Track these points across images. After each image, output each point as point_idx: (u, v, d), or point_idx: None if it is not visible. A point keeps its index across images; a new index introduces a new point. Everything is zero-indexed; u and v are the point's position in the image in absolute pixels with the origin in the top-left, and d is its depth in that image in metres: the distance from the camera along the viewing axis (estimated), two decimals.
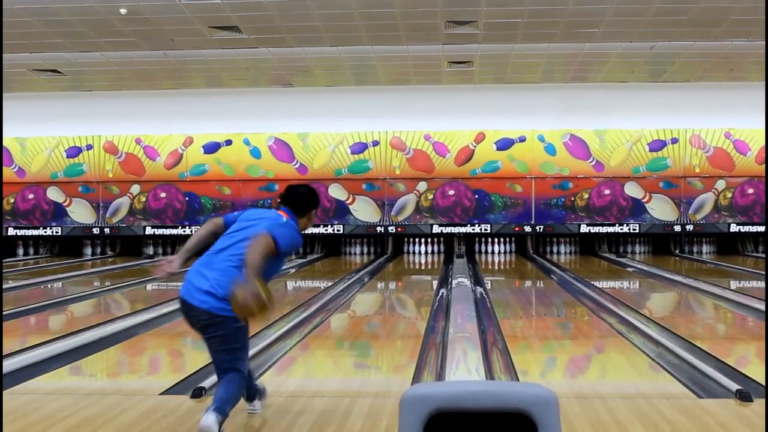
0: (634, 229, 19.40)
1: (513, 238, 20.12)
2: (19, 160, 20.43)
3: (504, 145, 19.53)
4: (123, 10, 13.46)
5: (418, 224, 19.66)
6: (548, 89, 19.34)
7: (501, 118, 19.51)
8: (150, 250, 20.44)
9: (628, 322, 8.76)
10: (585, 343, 8.03)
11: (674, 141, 19.37)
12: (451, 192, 19.62)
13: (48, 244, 20.80)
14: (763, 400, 5.11)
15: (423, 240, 20.08)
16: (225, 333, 4.52)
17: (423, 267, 17.70)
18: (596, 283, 13.09)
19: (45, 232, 20.33)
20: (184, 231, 19.88)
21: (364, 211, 19.72)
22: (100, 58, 16.72)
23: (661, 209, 19.40)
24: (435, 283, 13.95)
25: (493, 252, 19.96)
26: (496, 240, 20.07)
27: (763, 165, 18.97)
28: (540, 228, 19.51)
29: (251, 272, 4.35)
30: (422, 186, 19.66)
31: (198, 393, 5.38)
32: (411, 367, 6.50)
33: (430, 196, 19.66)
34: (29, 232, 20.39)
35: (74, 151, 20.35)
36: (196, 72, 18.15)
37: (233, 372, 4.59)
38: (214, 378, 5.74)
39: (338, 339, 8.24)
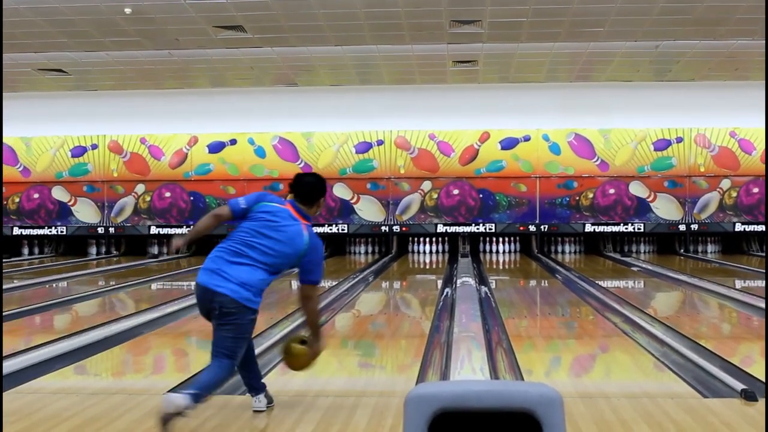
0: (638, 229, 19.39)
1: (517, 238, 20.11)
2: (24, 160, 20.46)
3: (508, 144, 19.52)
4: (128, 10, 13.47)
5: (422, 224, 19.66)
6: (553, 89, 19.33)
7: (505, 117, 19.49)
8: (155, 250, 20.44)
9: (632, 321, 8.76)
10: (590, 342, 8.02)
11: (679, 140, 19.35)
12: (456, 191, 19.62)
13: (53, 243, 20.82)
14: None
15: (427, 239, 20.07)
16: (241, 323, 4.74)
17: (427, 266, 17.70)
18: (601, 283, 13.08)
19: (50, 231, 20.36)
20: (188, 230, 19.84)
21: (369, 210, 19.72)
22: (105, 58, 16.74)
23: (666, 208, 19.38)
24: (439, 283, 13.95)
25: (497, 251, 19.95)
26: (500, 239, 20.06)
27: None
28: (545, 227, 19.49)
29: (318, 332, 5.06)
30: (427, 185, 19.66)
31: None
32: (415, 367, 6.49)
33: (435, 196, 19.65)
34: (34, 232, 20.41)
35: (79, 151, 20.37)
36: (201, 71, 18.16)
37: (228, 359, 4.77)
38: None
39: (343, 338, 8.24)
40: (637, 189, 19.41)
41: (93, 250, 20.69)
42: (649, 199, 19.39)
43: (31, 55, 16.51)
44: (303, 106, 19.77)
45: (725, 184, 19.31)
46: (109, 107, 20.12)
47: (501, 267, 17.44)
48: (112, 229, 20.23)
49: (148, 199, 20.19)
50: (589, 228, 19.48)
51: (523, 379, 6.11)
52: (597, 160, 19.39)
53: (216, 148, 20.02)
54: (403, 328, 8.73)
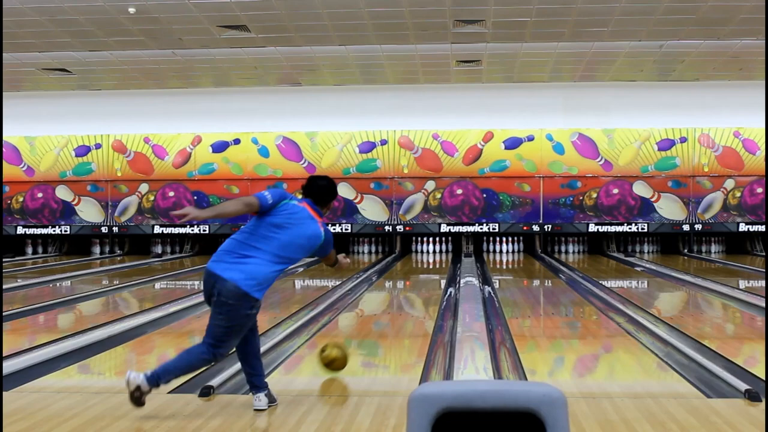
0: (642, 229, 19.38)
1: (521, 238, 20.11)
2: (28, 159, 20.48)
3: (512, 144, 19.51)
4: (132, 9, 13.49)
5: (426, 223, 19.66)
6: (557, 88, 19.33)
7: (509, 117, 19.50)
8: (158, 249, 20.45)
9: (636, 321, 8.75)
10: (593, 342, 8.02)
11: (683, 140, 19.34)
12: (459, 191, 19.62)
13: (57, 242, 20.85)
14: None
15: (431, 239, 20.07)
16: (236, 314, 4.85)
17: (431, 266, 17.70)
18: (604, 283, 13.08)
19: (54, 230, 20.38)
20: (192, 230, 19.91)
21: (372, 210, 19.73)
22: (109, 57, 16.76)
23: (670, 208, 19.37)
24: (443, 282, 13.95)
25: (501, 251, 19.95)
26: (504, 239, 20.05)
27: None
28: (548, 227, 19.49)
29: (335, 261, 5.68)
30: (430, 185, 19.66)
31: (206, 392, 5.39)
32: (419, 366, 6.49)
33: (438, 195, 19.65)
34: (38, 231, 20.44)
35: (83, 150, 20.40)
36: (205, 71, 18.17)
37: (206, 346, 4.95)
38: (222, 377, 5.78)
39: (346, 338, 8.24)
40: (640, 189, 19.40)
41: (97, 249, 20.72)
42: (652, 199, 19.38)
43: (36, 55, 16.53)
44: (307, 105, 19.78)
45: (729, 184, 19.30)
46: (112, 107, 20.14)
47: (504, 267, 17.44)
48: (115, 229, 20.25)
49: (151, 198, 20.21)
50: (592, 228, 19.47)
51: (526, 378, 6.11)
52: (601, 159, 19.38)
53: (220, 147, 20.04)
54: (407, 328, 8.74)
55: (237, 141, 20.01)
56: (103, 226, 20.28)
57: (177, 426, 4.75)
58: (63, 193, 20.45)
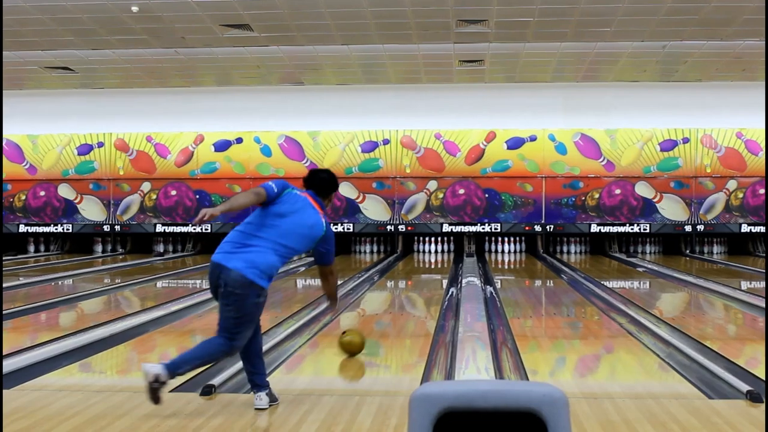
0: (644, 229, 19.37)
1: (523, 238, 20.10)
2: (31, 158, 20.50)
3: (515, 144, 19.51)
4: (134, 8, 13.49)
5: (428, 223, 19.66)
6: (559, 88, 19.32)
7: (512, 117, 19.49)
8: (160, 248, 20.46)
9: (638, 322, 8.75)
10: (595, 342, 8.02)
11: (685, 141, 19.33)
12: (462, 191, 19.61)
13: (59, 241, 20.86)
14: None
15: (433, 239, 20.07)
16: (245, 303, 4.89)
17: (433, 266, 17.70)
18: (606, 283, 13.07)
19: (56, 229, 20.39)
20: (194, 229, 19.91)
21: (375, 209, 19.73)
22: (112, 56, 16.76)
23: (672, 209, 19.36)
24: (445, 282, 13.95)
25: (503, 251, 19.95)
26: (506, 239, 20.05)
27: None
28: (550, 227, 19.48)
29: (335, 298, 5.71)
30: (432, 185, 19.66)
31: (208, 390, 5.39)
32: (420, 366, 6.49)
33: (441, 195, 19.65)
34: (40, 229, 20.45)
35: (85, 149, 20.41)
36: (207, 70, 18.18)
37: (225, 338, 4.94)
38: (223, 375, 5.78)
39: None
40: (643, 189, 19.39)
41: (99, 247, 20.74)
42: (655, 200, 19.37)
43: (38, 53, 16.54)
44: (309, 105, 19.79)
45: (731, 185, 19.28)
46: (115, 105, 20.16)
47: (506, 267, 17.44)
48: (117, 227, 20.26)
49: (154, 197, 20.22)
50: (594, 228, 19.47)
51: (527, 379, 6.11)
52: (603, 160, 19.38)
53: (222, 146, 20.05)
54: (408, 328, 8.74)
55: (239, 140, 20.01)
56: (105, 224, 20.29)
57: (178, 425, 4.75)
58: (65, 191, 20.46)
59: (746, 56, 16.55)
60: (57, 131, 20.43)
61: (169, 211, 20.10)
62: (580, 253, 19.91)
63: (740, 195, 19.26)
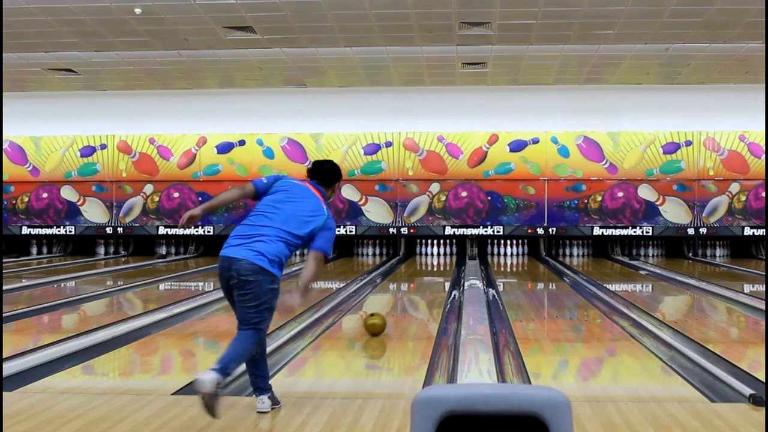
0: (647, 232, 19.36)
1: (525, 240, 20.10)
2: (34, 159, 20.52)
3: (517, 146, 19.51)
4: (138, 10, 13.51)
5: (430, 226, 19.65)
6: (562, 91, 19.32)
7: (514, 119, 19.50)
8: (163, 250, 20.48)
9: (640, 325, 8.74)
10: (597, 345, 8.01)
11: (688, 143, 19.32)
12: (464, 193, 19.61)
13: (61, 243, 20.87)
14: None
15: (435, 241, 20.07)
16: (260, 291, 4.93)
17: (435, 268, 17.70)
18: (609, 286, 13.07)
19: (58, 231, 20.41)
20: (197, 231, 19.92)
21: (377, 212, 19.73)
22: (115, 58, 16.78)
23: (675, 212, 19.35)
24: (447, 285, 13.95)
25: (505, 254, 19.95)
26: (508, 242, 20.05)
27: None
28: (553, 230, 19.48)
29: (305, 289, 5.14)
30: (435, 187, 19.66)
31: None
32: (423, 369, 6.49)
33: (443, 198, 19.65)
34: (43, 231, 20.47)
35: (88, 151, 20.43)
36: (210, 72, 18.19)
37: (253, 330, 4.96)
38: (226, 378, 5.76)
39: (350, 340, 8.23)
40: (645, 192, 19.39)
41: (101, 250, 20.75)
42: (657, 203, 19.36)
43: (42, 55, 16.56)
44: (312, 107, 19.80)
45: (734, 187, 19.27)
46: (118, 107, 20.18)
47: (509, 269, 17.43)
48: (120, 229, 20.27)
49: (156, 199, 20.23)
50: (597, 231, 19.46)
51: (530, 382, 6.11)
52: (606, 163, 19.37)
53: (224, 148, 20.06)
54: (411, 330, 8.73)
55: (242, 142, 20.02)
56: (108, 226, 20.31)
57: (181, 427, 4.76)
58: (68, 193, 20.48)
59: (749, 59, 16.55)
60: (60, 133, 20.46)
61: (171, 214, 20.11)
62: (583, 255, 19.91)
63: (743, 198, 19.25)
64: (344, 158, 19.59)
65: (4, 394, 5.32)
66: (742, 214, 19.25)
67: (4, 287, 11.49)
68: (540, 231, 19.52)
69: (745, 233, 19.24)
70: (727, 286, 12.63)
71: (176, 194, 20.18)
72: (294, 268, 15.19)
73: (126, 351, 7.44)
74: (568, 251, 19.99)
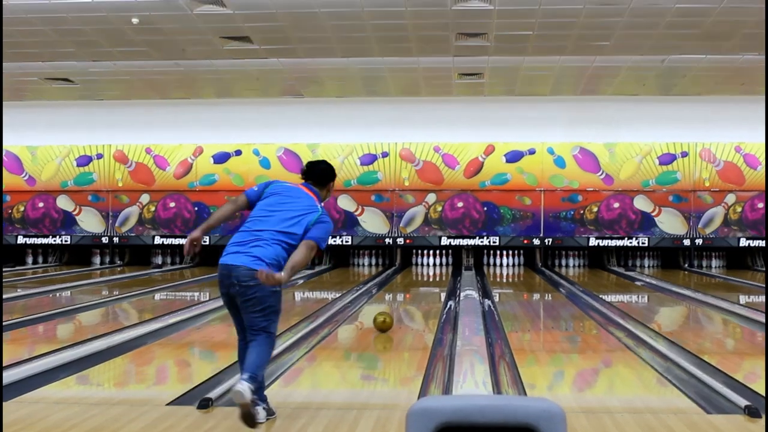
0: (643, 243, 19.37)
1: (522, 251, 20.10)
2: (30, 169, 20.51)
3: (513, 157, 19.52)
4: (135, 20, 13.52)
5: (426, 236, 19.65)
6: (558, 102, 19.35)
7: (511, 130, 19.52)
8: (159, 260, 20.47)
9: (636, 336, 8.74)
10: (593, 356, 8.01)
11: (684, 155, 19.35)
12: (460, 204, 19.62)
13: (57, 252, 20.85)
14: None
15: (431, 252, 20.07)
16: (263, 295, 4.98)
17: (431, 279, 17.69)
18: (605, 297, 13.06)
19: (54, 240, 20.38)
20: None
21: (373, 222, 19.73)
22: (112, 68, 16.79)
23: (671, 223, 19.37)
24: (443, 296, 13.94)
25: (501, 265, 19.94)
26: (504, 252, 20.04)
27: None
28: (549, 241, 19.48)
29: (290, 272, 4.98)
30: (431, 198, 19.67)
31: (205, 404, 5.38)
32: (418, 380, 6.49)
33: (439, 208, 19.66)
34: (38, 241, 20.44)
35: (84, 160, 20.42)
36: (207, 82, 18.20)
37: (264, 334, 5.04)
38: (221, 389, 5.77)
39: (345, 350, 8.23)
40: (641, 203, 19.41)
41: (97, 259, 20.73)
42: (653, 214, 19.38)
43: (39, 65, 16.57)
44: (308, 117, 19.81)
45: (730, 198, 19.29)
46: (115, 117, 20.18)
47: (504, 280, 17.43)
48: (116, 239, 20.25)
49: (152, 209, 20.22)
50: (593, 242, 19.47)
51: (525, 393, 6.10)
52: (602, 173, 19.39)
53: (221, 158, 20.06)
54: (406, 341, 8.72)
55: (238, 152, 20.02)
56: (104, 236, 20.28)
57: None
58: (64, 202, 20.46)
59: (746, 70, 16.58)
60: (56, 142, 20.45)
61: (167, 223, 20.10)
62: (579, 266, 19.91)
63: (739, 209, 19.27)
64: (341, 168, 19.58)
65: None
66: (738, 226, 19.27)
67: None
68: (536, 242, 19.53)
69: (741, 244, 19.25)
70: (723, 297, 12.64)
71: (172, 204, 20.17)
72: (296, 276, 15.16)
73: (121, 361, 7.43)
74: (564, 262, 20.00)
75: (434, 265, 19.96)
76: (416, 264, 20.07)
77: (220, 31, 14.23)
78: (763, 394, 5.84)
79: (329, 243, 18.95)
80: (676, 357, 7.33)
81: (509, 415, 2.35)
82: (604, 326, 9.74)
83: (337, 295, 12.98)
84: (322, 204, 5.42)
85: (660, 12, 13.00)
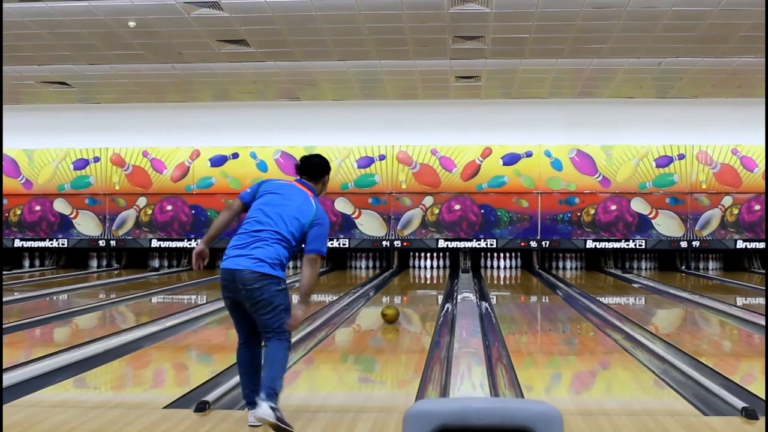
0: (640, 245, 19.38)
1: (519, 254, 20.10)
2: (27, 172, 20.49)
3: (510, 160, 19.53)
4: (132, 23, 13.52)
5: (423, 239, 19.65)
6: (555, 104, 19.37)
7: (508, 133, 19.53)
8: (156, 263, 20.46)
9: (633, 338, 8.75)
10: (590, 359, 8.01)
11: (681, 157, 19.36)
12: (457, 207, 19.62)
13: (54, 256, 20.83)
14: None
15: (428, 254, 20.06)
16: (270, 295, 4.98)
17: (428, 281, 17.68)
18: (602, 299, 13.08)
19: (51, 244, 20.36)
20: (190, 244, 19.90)
21: (370, 225, 19.73)
22: (109, 71, 16.78)
23: (668, 225, 19.38)
24: (440, 298, 13.94)
25: (498, 267, 19.95)
26: (501, 255, 20.05)
27: None
28: (546, 243, 19.48)
29: (308, 298, 5.29)
30: (428, 200, 19.67)
31: (202, 407, 5.38)
32: (415, 382, 6.49)
33: (436, 211, 19.66)
34: (35, 244, 20.42)
35: (81, 164, 20.41)
36: (204, 85, 18.19)
37: (277, 338, 5.04)
38: (218, 392, 5.77)
39: (343, 353, 8.23)
40: (638, 205, 19.42)
41: (94, 262, 20.71)
42: (650, 216, 19.39)
43: (35, 68, 16.55)
44: (305, 120, 19.80)
45: (727, 201, 19.31)
46: (111, 120, 20.16)
47: (502, 282, 17.43)
48: (113, 242, 20.23)
49: (149, 212, 20.21)
50: (590, 244, 19.48)
51: (523, 395, 6.10)
52: (599, 176, 19.41)
53: (218, 161, 20.05)
54: (404, 343, 8.73)
55: (235, 155, 20.02)
56: (101, 239, 20.27)
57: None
58: (61, 206, 20.44)
59: (742, 73, 16.61)
60: (53, 146, 20.44)
61: (164, 227, 20.09)
62: (576, 269, 19.91)
63: (735, 211, 19.29)
64: (338, 171, 19.59)
65: None
66: (735, 228, 19.29)
67: None
68: (533, 244, 19.53)
69: (737, 246, 19.27)
70: (719, 299, 12.64)
71: (169, 207, 20.16)
72: (287, 281, 15.17)
73: (118, 364, 7.43)
74: (561, 264, 20.00)
75: (431, 267, 19.95)
76: (413, 266, 20.07)
77: (216, 35, 14.23)
78: (760, 396, 5.85)
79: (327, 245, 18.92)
80: (673, 359, 7.34)
81: (506, 417, 2.35)
82: (601, 328, 9.74)
83: (335, 298, 12.98)
84: (317, 198, 5.38)
85: (656, 15, 13.02)
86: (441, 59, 15.75)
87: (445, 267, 19.90)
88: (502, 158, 19.55)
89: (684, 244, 19.33)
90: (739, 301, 13.34)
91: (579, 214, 19.48)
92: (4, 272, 18.42)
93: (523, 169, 19.51)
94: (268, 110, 19.87)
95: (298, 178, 5.45)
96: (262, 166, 19.85)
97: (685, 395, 6.02)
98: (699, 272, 19.11)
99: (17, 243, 20.38)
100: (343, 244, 19.60)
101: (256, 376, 5.15)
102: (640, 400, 6.14)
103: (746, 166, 19.28)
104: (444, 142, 19.61)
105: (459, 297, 12.91)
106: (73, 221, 20.40)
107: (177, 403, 5.61)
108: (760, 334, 9.24)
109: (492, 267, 19.95)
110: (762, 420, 5.12)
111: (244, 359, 5.20)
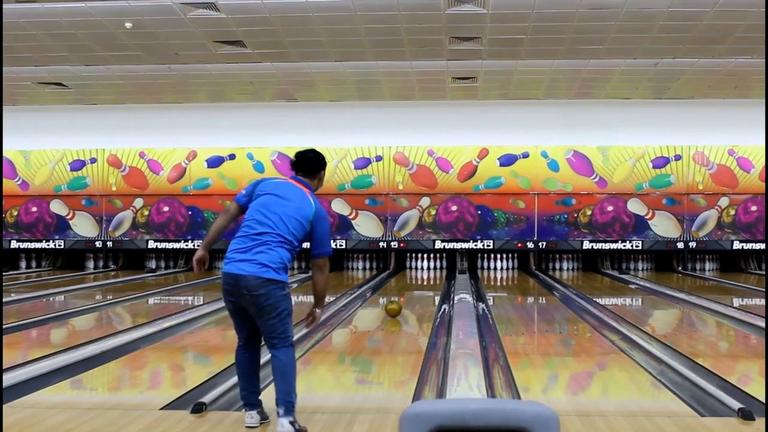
0: (636, 246, 19.39)
1: (515, 254, 20.11)
2: (23, 173, 20.47)
3: (507, 161, 19.54)
4: (128, 24, 13.51)
5: (420, 240, 19.65)
6: (552, 105, 19.38)
7: (504, 134, 19.53)
8: (152, 264, 20.44)
9: (630, 339, 8.75)
10: (587, 360, 8.01)
11: (677, 158, 19.38)
12: (454, 208, 19.63)
13: (50, 257, 20.81)
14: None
15: (425, 255, 20.06)
16: (275, 300, 4.93)
17: (425, 282, 17.68)
18: (598, 300, 13.08)
19: (48, 245, 20.34)
20: (186, 245, 19.89)
21: (367, 226, 19.73)
22: (105, 72, 16.77)
23: (664, 226, 19.39)
24: (437, 299, 13.94)
25: (495, 268, 19.95)
26: (498, 256, 20.06)
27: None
28: (542, 244, 19.49)
29: (323, 300, 5.49)
30: (425, 201, 19.67)
31: (198, 408, 5.37)
32: (412, 383, 6.49)
33: (433, 212, 19.66)
34: (32, 245, 20.40)
35: (78, 165, 20.39)
36: (201, 86, 18.19)
37: (283, 345, 5.01)
38: (214, 393, 5.76)
39: (340, 354, 8.23)
40: (635, 206, 19.43)
41: (91, 264, 20.69)
42: (647, 217, 19.41)
43: (32, 69, 16.54)
44: (302, 121, 19.79)
45: (723, 202, 19.33)
46: (108, 121, 20.14)
47: (499, 284, 17.43)
48: (110, 243, 20.22)
49: (146, 213, 20.19)
50: (587, 245, 19.49)
51: (519, 396, 6.10)
52: (595, 177, 19.42)
53: (215, 162, 20.04)
54: (400, 345, 8.72)
55: (232, 156, 20.01)
56: (98, 240, 20.25)
57: None
58: (57, 207, 20.43)
59: (738, 74, 16.63)
60: (50, 147, 20.42)
61: (161, 228, 20.08)
62: (573, 269, 19.92)
63: (732, 212, 19.31)
64: (334, 172, 19.59)
65: None
66: (732, 228, 19.30)
67: None
68: (530, 245, 19.54)
69: (734, 247, 19.28)
70: (716, 300, 12.66)
71: (166, 208, 20.15)
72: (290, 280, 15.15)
73: (115, 365, 7.42)
74: (557, 265, 20.01)
75: (428, 268, 19.95)
76: (410, 267, 20.07)
77: (213, 36, 14.23)
78: (756, 397, 5.85)
79: None
80: (670, 360, 7.34)
81: (503, 418, 2.35)
82: (598, 329, 9.75)
83: (331, 299, 12.97)
84: (314, 194, 5.33)
85: (652, 15, 13.03)
86: (438, 60, 15.76)
87: (442, 268, 19.90)
88: (498, 159, 19.56)
89: (681, 245, 19.34)
90: (736, 302, 13.35)
91: (576, 215, 19.49)
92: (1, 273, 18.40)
93: (520, 170, 19.52)
94: (264, 111, 19.87)
95: (294, 175, 5.38)
96: (259, 167, 19.84)
97: (681, 396, 6.03)
98: (696, 273, 19.12)
99: (14, 244, 20.36)
100: (340, 245, 19.59)
101: (254, 377, 5.15)
102: (637, 401, 6.15)
103: (743, 167, 19.29)
104: (441, 143, 19.62)
105: (456, 298, 12.91)
106: (70, 222, 20.38)
107: (174, 405, 5.60)
108: (756, 335, 9.25)
109: (489, 268, 19.95)
110: (758, 421, 5.12)
111: (242, 361, 5.19)
